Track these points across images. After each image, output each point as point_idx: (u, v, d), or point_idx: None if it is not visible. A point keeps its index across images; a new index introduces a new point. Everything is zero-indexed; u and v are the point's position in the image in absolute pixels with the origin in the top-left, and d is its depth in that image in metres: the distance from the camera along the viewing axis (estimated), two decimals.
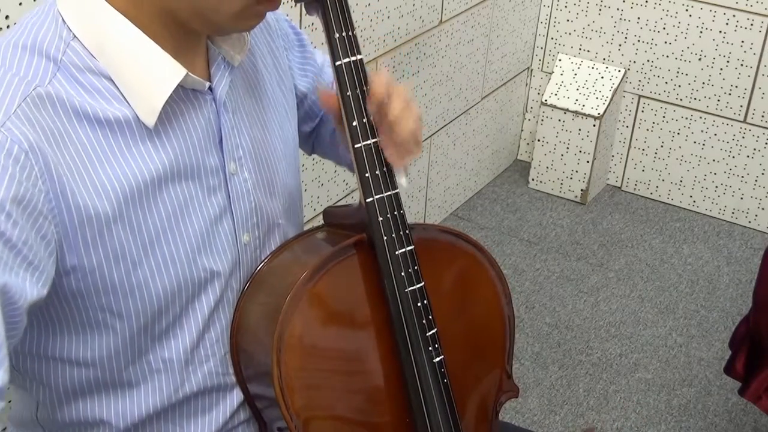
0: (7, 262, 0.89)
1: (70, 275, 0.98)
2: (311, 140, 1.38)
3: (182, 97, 1.03)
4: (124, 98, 0.99)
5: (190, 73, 1.01)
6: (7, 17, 1.51)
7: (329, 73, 1.31)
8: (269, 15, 1.19)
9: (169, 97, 1.00)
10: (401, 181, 1.14)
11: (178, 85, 1.00)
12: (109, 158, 0.98)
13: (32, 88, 0.94)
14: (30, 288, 0.91)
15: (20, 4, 1.52)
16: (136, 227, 1.00)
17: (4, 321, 0.89)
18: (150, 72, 0.99)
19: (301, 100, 1.29)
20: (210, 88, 1.06)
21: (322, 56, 1.32)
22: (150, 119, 0.99)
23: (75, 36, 0.98)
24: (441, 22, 2.75)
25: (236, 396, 1.16)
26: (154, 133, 1.01)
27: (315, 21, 2.22)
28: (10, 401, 1.22)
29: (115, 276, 1.00)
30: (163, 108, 1.00)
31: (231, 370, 1.14)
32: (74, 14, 0.98)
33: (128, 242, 1.00)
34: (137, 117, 0.99)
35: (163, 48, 0.99)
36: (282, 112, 1.20)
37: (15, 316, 0.91)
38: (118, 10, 0.98)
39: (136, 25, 0.98)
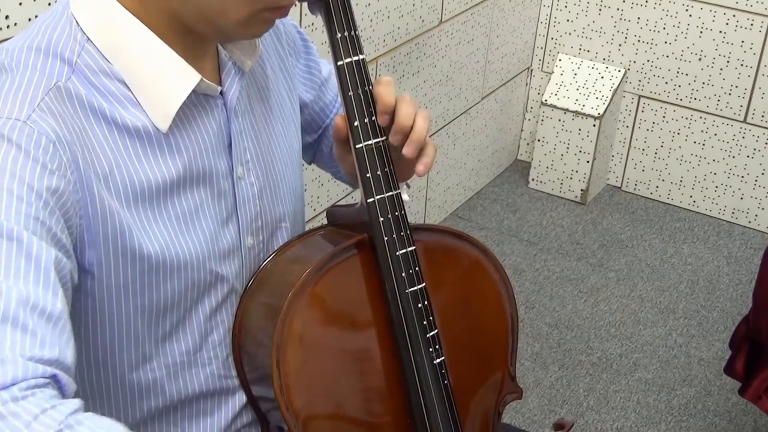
0: (50, 243, 0.89)
1: (86, 272, 0.98)
2: (312, 151, 1.38)
3: (194, 102, 1.03)
4: (138, 102, 0.99)
5: (204, 78, 1.01)
6: (7, 17, 1.51)
7: (333, 86, 1.30)
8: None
9: (183, 102, 1.00)
10: (404, 196, 1.14)
11: (191, 90, 1.00)
12: (125, 160, 0.98)
13: (53, 83, 0.94)
14: (72, 268, 0.92)
15: (20, 4, 1.52)
16: (150, 231, 1.00)
17: (65, 294, 0.88)
18: (164, 77, 0.99)
19: (300, 108, 1.28)
20: (221, 93, 1.06)
21: (328, 67, 1.31)
22: (164, 124, 1.00)
23: (89, 39, 0.98)
24: (441, 22, 2.75)
25: (239, 399, 1.16)
26: (169, 138, 1.01)
27: (315, 21, 2.22)
28: None
29: (129, 275, 1.00)
30: (176, 113, 1.00)
31: (233, 373, 1.14)
32: (88, 16, 0.98)
33: (145, 245, 1.00)
34: (151, 122, 0.99)
35: (176, 52, 1.00)
36: (288, 116, 1.20)
37: (68, 296, 0.90)
38: (130, 12, 0.98)
39: (149, 28, 0.98)
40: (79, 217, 0.94)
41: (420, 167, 1.12)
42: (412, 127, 1.10)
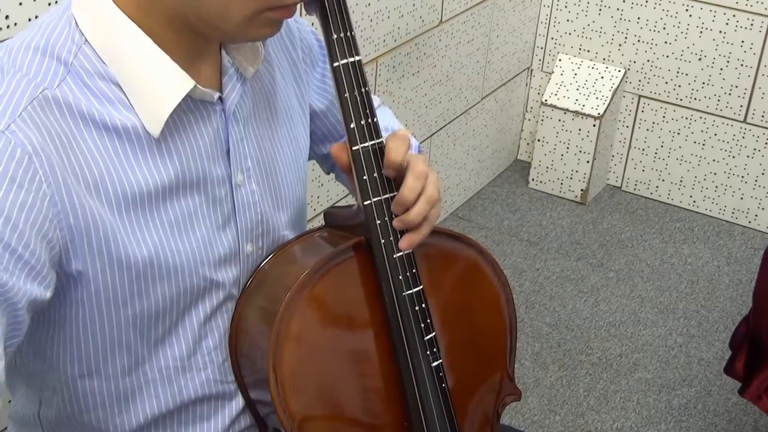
0: (7, 265, 0.88)
1: (76, 281, 0.98)
2: (331, 162, 1.35)
3: (190, 107, 1.03)
4: (131, 105, 0.98)
5: (198, 85, 1.00)
6: (7, 17, 1.51)
7: None
8: (293, 23, 1.19)
9: (177, 107, 0.99)
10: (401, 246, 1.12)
11: (187, 95, 1.00)
12: (115, 165, 0.97)
13: (40, 91, 0.93)
14: (31, 289, 0.91)
15: (20, 4, 1.52)
16: (140, 237, 1.00)
17: (4, 316, 0.88)
18: (157, 82, 0.98)
19: (311, 117, 1.26)
20: (220, 99, 1.05)
21: None
22: (155, 129, 0.99)
23: (87, 40, 0.97)
24: (441, 22, 2.75)
25: (236, 404, 1.16)
26: (162, 143, 1.00)
27: (312, 21, 2.22)
28: (10, 401, 1.23)
29: (118, 283, 1.00)
30: (169, 118, 0.99)
31: (230, 378, 1.14)
32: (87, 18, 0.98)
33: (133, 251, 0.99)
34: (144, 126, 0.99)
35: (173, 58, 0.99)
36: (297, 123, 1.19)
37: (17, 316, 0.90)
38: (129, 18, 0.97)
39: (147, 34, 0.98)
40: (60, 230, 0.93)
41: (402, 242, 1.09)
42: (413, 204, 1.08)
